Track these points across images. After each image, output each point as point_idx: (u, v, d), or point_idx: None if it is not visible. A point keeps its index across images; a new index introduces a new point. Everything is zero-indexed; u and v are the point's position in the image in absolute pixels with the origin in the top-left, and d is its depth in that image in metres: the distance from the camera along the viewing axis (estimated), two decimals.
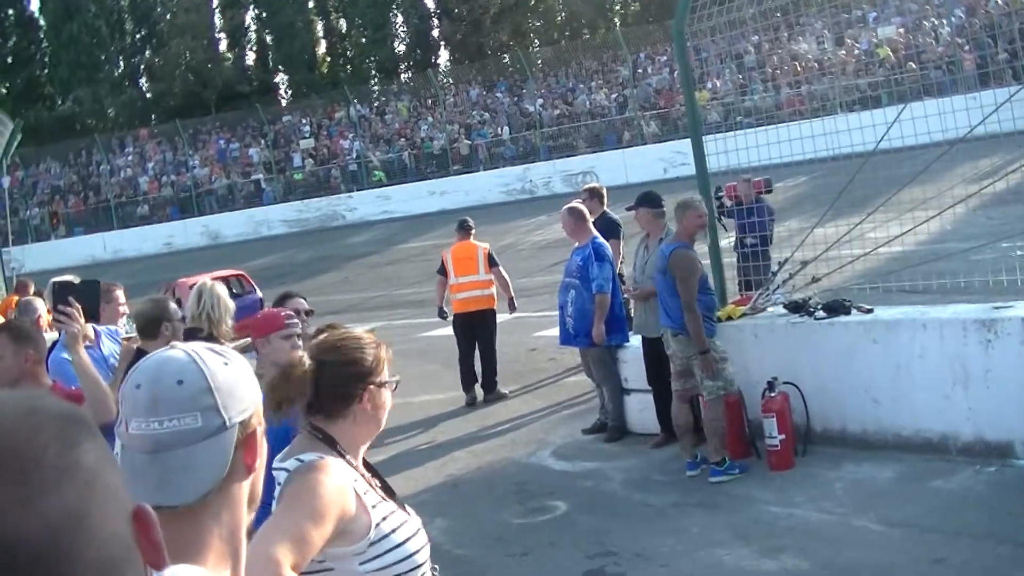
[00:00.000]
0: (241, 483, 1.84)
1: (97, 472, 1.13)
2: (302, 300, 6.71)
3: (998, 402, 7.74)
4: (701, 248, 9.24)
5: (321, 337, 3.26)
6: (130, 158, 53.68)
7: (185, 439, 1.78)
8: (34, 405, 1.14)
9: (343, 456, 3.06)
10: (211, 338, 6.34)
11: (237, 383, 1.86)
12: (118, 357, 6.28)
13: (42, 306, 8.81)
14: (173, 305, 6.15)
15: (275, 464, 3.08)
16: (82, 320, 5.04)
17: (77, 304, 5.01)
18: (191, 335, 6.26)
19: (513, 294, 12.83)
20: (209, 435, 1.80)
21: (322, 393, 3.10)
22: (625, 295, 10.42)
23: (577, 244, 10.49)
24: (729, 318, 9.22)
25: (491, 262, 12.60)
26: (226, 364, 1.87)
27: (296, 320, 5.42)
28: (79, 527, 1.08)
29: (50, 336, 6.57)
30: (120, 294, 7.29)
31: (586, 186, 12.81)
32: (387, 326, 18.29)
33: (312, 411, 3.15)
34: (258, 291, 20.94)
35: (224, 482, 1.79)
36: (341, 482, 2.94)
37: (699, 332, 8.37)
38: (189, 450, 1.78)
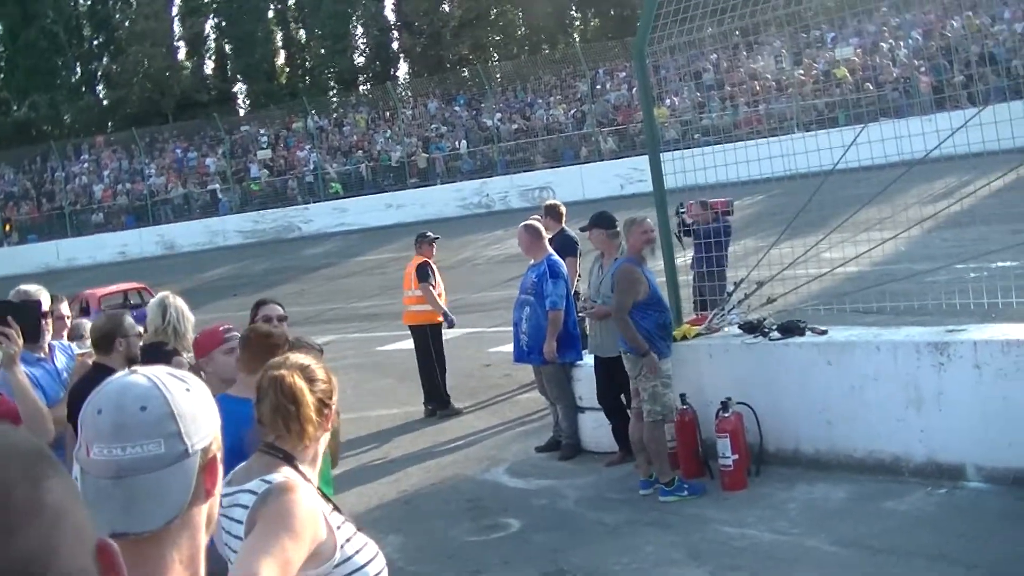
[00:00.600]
0: (201, 507, 1.83)
1: (63, 509, 1.13)
2: (277, 306, 6.63)
3: (950, 424, 7.80)
4: (657, 265, 9.26)
5: (283, 360, 3.28)
6: (86, 165, 53.22)
7: (148, 465, 1.77)
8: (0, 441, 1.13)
9: (302, 475, 3.06)
10: (175, 352, 6.30)
11: (199, 409, 1.86)
12: (71, 371, 6.20)
13: None
14: (129, 320, 6.07)
15: (234, 487, 3.07)
16: (20, 341, 4.98)
17: (15, 324, 4.95)
18: (155, 349, 6.21)
19: (444, 309, 12.57)
20: (172, 462, 1.79)
21: None
22: (580, 313, 10.41)
23: (532, 261, 10.48)
24: (684, 338, 9.23)
25: (420, 277, 12.50)
26: (188, 390, 1.86)
27: (235, 332, 5.35)
28: (47, 566, 1.08)
29: None
30: (64, 307, 7.20)
31: (544, 203, 12.76)
32: (342, 339, 18.21)
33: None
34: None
35: (186, 507, 1.79)
36: (312, 503, 2.94)
37: (633, 336, 8.38)
38: (153, 476, 1.77)
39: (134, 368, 1.92)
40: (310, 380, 3.23)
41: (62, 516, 1.12)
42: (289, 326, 6.51)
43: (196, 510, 1.81)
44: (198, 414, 1.84)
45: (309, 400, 3.16)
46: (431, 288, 12.43)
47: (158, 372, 1.88)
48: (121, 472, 1.76)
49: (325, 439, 3.29)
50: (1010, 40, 30.14)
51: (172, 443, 1.79)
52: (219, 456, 1.89)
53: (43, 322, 5.64)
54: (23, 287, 6.06)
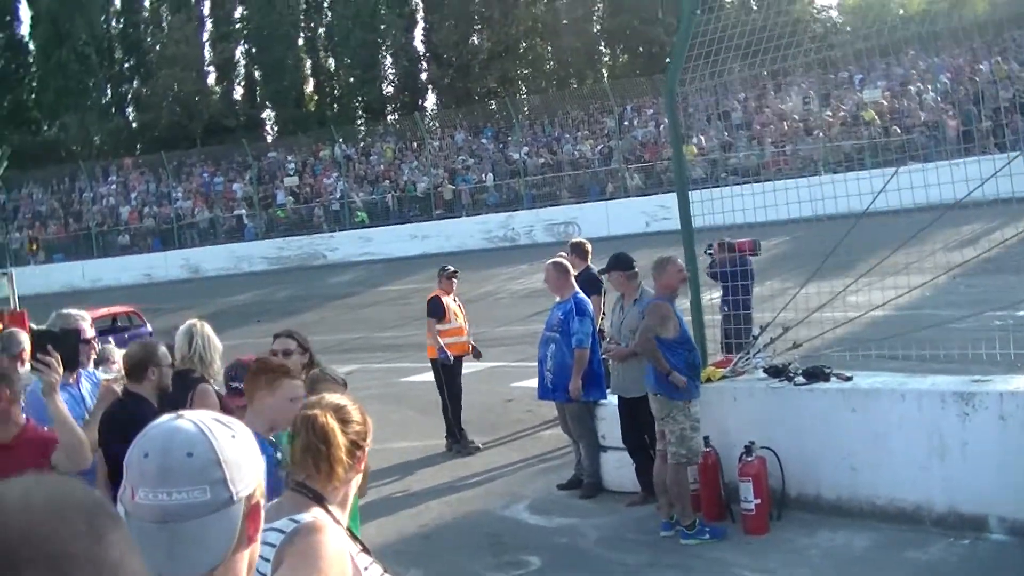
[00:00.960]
0: (243, 553, 1.87)
1: (122, 563, 1.15)
2: (291, 340, 6.67)
3: (974, 475, 7.75)
4: (683, 304, 9.25)
5: (318, 399, 3.30)
6: (113, 187, 53.61)
7: (194, 511, 1.80)
8: (63, 495, 1.16)
9: (331, 515, 3.07)
10: (203, 379, 6.35)
11: (244, 456, 1.89)
12: (95, 397, 6.24)
13: (26, 339, 8.74)
14: (163, 349, 6.12)
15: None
16: (60, 369, 5.04)
17: (56, 353, 5.00)
18: (182, 377, 6.25)
19: (441, 345, 12.46)
20: (217, 508, 1.82)
21: None
22: (604, 355, 10.41)
23: (559, 298, 10.51)
24: (709, 380, 9.22)
25: (428, 312, 12.68)
26: (233, 437, 1.89)
27: None
28: None
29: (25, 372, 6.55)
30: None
31: (570, 240, 12.79)
32: (364, 369, 18.24)
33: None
34: (148, 326, 21.78)
35: (229, 554, 1.82)
36: (340, 544, 2.94)
37: (658, 358, 8.40)
38: (198, 522, 1.80)
39: (180, 413, 1.95)
40: (344, 421, 3.24)
41: (120, 570, 1.15)
42: (310, 354, 6.55)
43: (239, 556, 1.84)
44: (243, 461, 1.87)
45: (341, 441, 3.17)
46: (434, 324, 12.50)
47: (204, 418, 1.91)
48: (166, 517, 1.79)
49: (357, 480, 3.29)
50: None
51: (217, 490, 1.82)
52: (262, 502, 1.92)
53: (82, 350, 5.68)
54: (65, 311, 6.12)
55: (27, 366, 5.74)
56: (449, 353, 12.47)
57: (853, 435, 8.40)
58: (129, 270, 44.94)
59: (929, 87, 35.73)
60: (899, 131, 30.73)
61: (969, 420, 7.78)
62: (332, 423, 3.20)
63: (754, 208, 9.53)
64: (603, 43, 63.90)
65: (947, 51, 30.97)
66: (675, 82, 9.98)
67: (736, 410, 9.10)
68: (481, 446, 12.32)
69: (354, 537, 3.22)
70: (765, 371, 9.20)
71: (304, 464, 3.19)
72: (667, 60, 10.39)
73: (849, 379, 8.66)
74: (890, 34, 9.76)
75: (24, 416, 5.11)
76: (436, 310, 12.58)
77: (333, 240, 43.87)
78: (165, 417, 1.94)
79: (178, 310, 29.53)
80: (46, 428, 5.05)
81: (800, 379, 8.80)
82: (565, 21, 60.21)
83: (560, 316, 10.33)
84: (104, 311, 21.79)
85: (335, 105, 64.63)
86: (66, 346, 5.23)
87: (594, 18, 62.15)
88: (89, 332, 5.90)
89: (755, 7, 12.21)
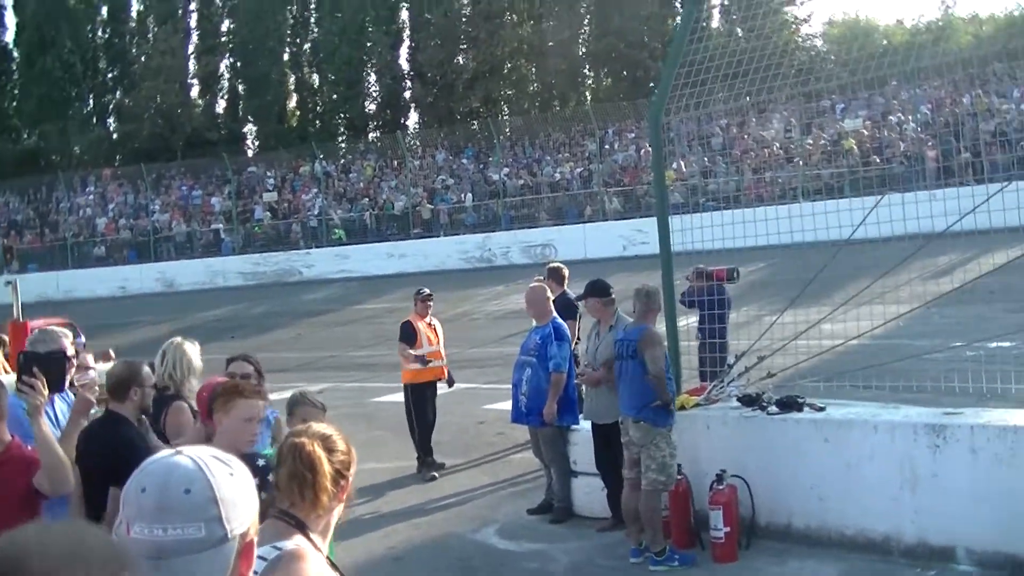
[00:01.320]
0: None
1: None
2: (247, 364, 6.66)
3: (944, 507, 7.78)
4: (659, 328, 9.26)
5: (305, 428, 3.38)
6: (91, 197, 53.43)
7: (188, 548, 1.82)
8: (79, 544, 1.16)
9: (313, 543, 3.10)
10: (176, 397, 6.31)
11: (240, 494, 1.91)
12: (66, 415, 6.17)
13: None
14: (147, 370, 6.06)
15: None
16: (46, 392, 5.00)
17: (41, 376, 4.96)
18: (159, 393, 6.22)
19: (405, 367, 12.68)
20: (212, 546, 1.83)
21: None
22: (578, 380, 10.41)
23: (537, 323, 10.51)
24: (682, 407, 9.21)
25: (400, 337, 12.75)
26: (231, 475, 1.91)
27: None
28: None
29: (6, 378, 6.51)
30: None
31: (547, 265, 12.81)
32: (336, 388, 18.16)
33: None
34: (82, 337, 21.31)
35: None
36: (321, 572, 2.98)
37: (664, 387, 8.43)
38: (192, 558, 1.82)
39: (179, 448, 1.97)
40: (329, 450, 3.27)
41: None
42: (283, 373, 6.52)
43: None
44: (239, 499, 1.89)
45: (326, 470, 3.21)
46: (406, 349, 12.52)
47: (203, 454, 1.93)
48: (161, 553, 1.80)
49: (339, 510, 3.31)
50: (1017, 120, 30.32)
51: (213, 527, 1.83)
52: (255, 539, 1.94)
53: (67, 370, 5.63)
54: (49, 328, 6.07)
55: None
56: (426, 361, 12.48)
57: (825, 465, 8.41)
58: (104, 282, 44.70)
59: (910, 118, 35.94)
60: (879, 161, 30.91)
61: (940, 452, 7.80)
62: (319, 452, 3.24)
63: (733, 236, 9.56)
64: (588, 66, 64.02)
65: (929, 82, 31.17)
66: (661, 111, 10.02)
67: (708, 438, 9.10)
68: (441, 469, 12.30)
69: (333, 566, 3.22)
70: (739, 400, 9.22)
71: (289, 491, 3.21)
72: (651, 85, 10.43)
73: (822, 409, 8.68)
74: (876, 68, 9.78)
75: (9, 433, 5.06)
76: (407, 336, 12.62)
77: (310, 257, 43.76)
78: (164, 452, 1.96)
79: (151, 324, 29.45)
80: (29, 448, 4.99)
81: (773, 408, 8.82)
82: (551, 43, 60.29)
83: (538, 340, 10.33)
84: (41, 322, 21.61)
85: (317, 121, 64.48)
86: (52, 368, 5.18)
87: (580, 41, 62.22)
88: (70, 349, 5.83)
89: (741, 34, 12.28)
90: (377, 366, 20.29)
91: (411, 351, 12.44)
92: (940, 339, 11.97)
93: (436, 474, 12.18)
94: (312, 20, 64.73)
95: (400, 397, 13.05)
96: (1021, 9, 54.34)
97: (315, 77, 65.66)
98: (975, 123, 29.11)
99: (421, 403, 12.53)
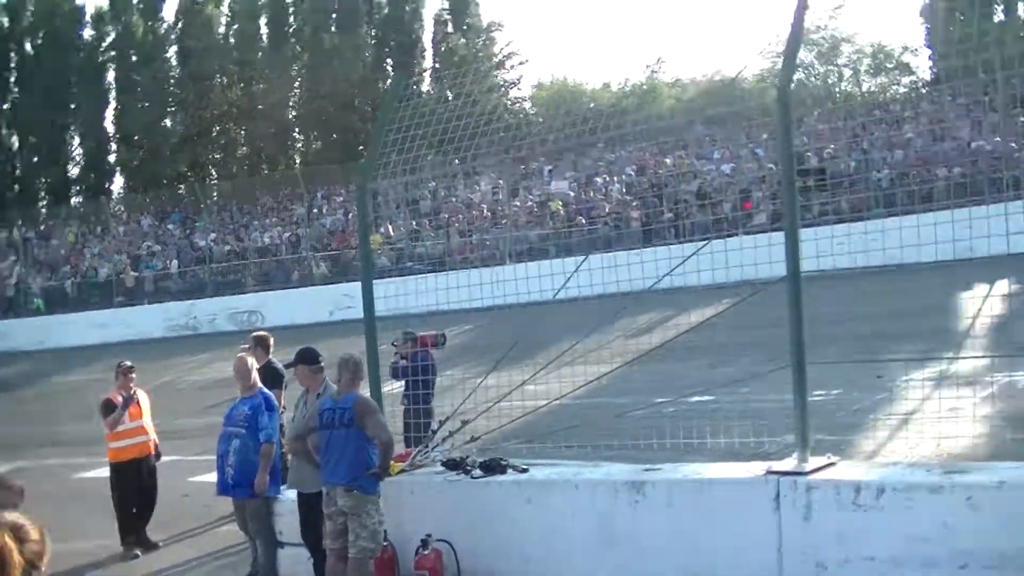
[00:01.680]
0: None
1: None
2: None
3: (643, 561, 7.89)
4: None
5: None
6: None
7: None
8: None
9: None
10: None
11: None
12: None
13: None
14: None
15: None
16: None
17: None
18: None
19: (109, 446, 12.33)
20: None
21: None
22: (284, 450, 10.21)
23: (245, 393, 10.30)
24: (387, 473, 9.05)
25: (102, 415, 12.34)
26: None
27: None
28: None
29: None
30: None
31: (253, 334, 12.63)
32: (35, 466, 17.15)
33: None
34: None
35: None
36: None
37: (390, 455, 8.51)
38: None
39: None
40: (21, 540, 3.07)
41: None
42: None
43: None
44: None
45: (16, 560, 3.01)
46: (106, 422, 12.13)
47: None
48: None
49: None
50: (718, 179, 31.92)
51: None
52: None
53: None
54: None
55: None
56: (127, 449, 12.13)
57: (528, 526, 8.45)
58: None
59: (615, 179, 37.30)
60: (584, 222, 31.88)
61: (639, 507, 7.91)
62: (9, 542, 3.03)
63: (436, 302, 9.56)
64: (298, 129, 63.57)
65: (635, 144, 32.47)
66: (368, 175, 9.98)
67: (413, 503, 9.04)
68: (156, 549, 11.89)
69: None
70: (443, 464, 9.20)
71: None
72: (361, 148, 10.37)
73: (525, 471, 8.74)
74: (580, 134, 9.96)
75: None
76: (109, 413, 12.15)
77: (4, 327, 41.43)
78: None
79: None
80: None
81: (477, 472, 8.83)
82: (260, 106, 59.64)
83: (247, 411, 10.20)
84: None
85: (15, 185, 61.36)
86: None
87: (290, 104, 61.82)
88: None
89: (451, 97, 12.36)
90: (79, 442, 19.20)
91: (112, 416, 12.00)
92: (642, 396, 12.29)
93: (139, 552, 11.74)
94: (11, 80, 61.63)
95: (105, 473, 12.46)
96: (721, 75, 57.66)
97: (14, 139, 62.42)
98: (677, 184, 30.41)
99: (124, 482, 12.08)
